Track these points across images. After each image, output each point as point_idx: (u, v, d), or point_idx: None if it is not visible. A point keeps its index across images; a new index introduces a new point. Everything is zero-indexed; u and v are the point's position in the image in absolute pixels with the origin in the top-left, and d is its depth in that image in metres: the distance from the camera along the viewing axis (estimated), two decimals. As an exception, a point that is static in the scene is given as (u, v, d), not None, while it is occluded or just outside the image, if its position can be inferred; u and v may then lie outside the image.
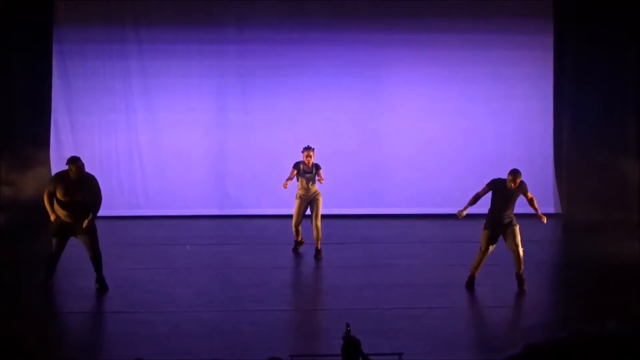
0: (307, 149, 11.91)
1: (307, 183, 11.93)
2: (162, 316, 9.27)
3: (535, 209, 10.46)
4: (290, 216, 12.22)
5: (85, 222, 9.95)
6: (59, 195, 10.03)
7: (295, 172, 11.94)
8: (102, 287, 10.29)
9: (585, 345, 2.62)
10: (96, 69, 14.79)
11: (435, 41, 14.99)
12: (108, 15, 14.72)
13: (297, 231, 12.10)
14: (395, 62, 15.13)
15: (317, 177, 11.97)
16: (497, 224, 10.21)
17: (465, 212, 10.35)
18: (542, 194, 14.47)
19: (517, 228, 10.23)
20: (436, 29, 14.96)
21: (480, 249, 10.31)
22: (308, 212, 12.08)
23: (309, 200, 11.99)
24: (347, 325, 5.83)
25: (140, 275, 10.93)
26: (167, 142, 15.03)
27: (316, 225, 11.95)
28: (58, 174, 10.32)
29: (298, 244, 12.21)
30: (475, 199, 10.30)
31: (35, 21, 14.20)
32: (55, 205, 10.14)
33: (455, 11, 14.92)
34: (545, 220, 10.43)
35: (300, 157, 11.98)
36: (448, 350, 8.19)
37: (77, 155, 10.26)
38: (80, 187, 10.04)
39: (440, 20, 14.95)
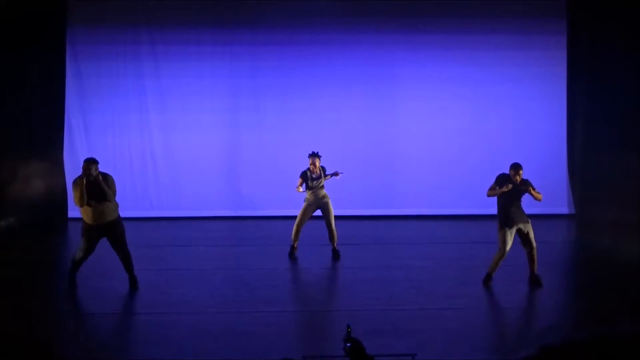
0: (313, 156, 11.80)
1: (316, 189, 11.89)
2: (175, 317, 9.28)
3: (534, 195, 10.21)
4: (304, 218, 12.22)
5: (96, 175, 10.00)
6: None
7: (302, 181, 11.87)
8: (133, 286, 10.36)
9: (600, 346, 2.61)
10: (109, 69, 14.85)
11: (448, 42, 14.97)
12: (121, 16, 14.78)
13: (296, 233, 12.00)
14: (408, 63, 15.11)
15: (325, 179, 11.87)
16: (511, 221, 10.18)
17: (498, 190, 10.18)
18: (555, 194, 14.49)
19: (530, 225, 10.25)
20: (449, 30, 14.95)
21: (499, 249, 10.27)
22: (317, 213, 12.05)
23: (317, 205, 11.94)
24: (348, 326, 5.82)
25: (154, 277, 10.95)
26: (180, 143, 15.07)
27: (331, 230, 11.94)
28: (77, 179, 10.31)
29: (294, 249, 12.13)
30: (494, 191, 10.20)
31: (48, 23, 14.27)
32: (83, 210, 10.16)
33: (469, 12, 14.91)
34: (540, 198, 10.24)
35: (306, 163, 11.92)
36: (461, 350, 8.17)
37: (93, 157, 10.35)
38: (98, 185, 10.08)
39: (453, 20, 14.93)
